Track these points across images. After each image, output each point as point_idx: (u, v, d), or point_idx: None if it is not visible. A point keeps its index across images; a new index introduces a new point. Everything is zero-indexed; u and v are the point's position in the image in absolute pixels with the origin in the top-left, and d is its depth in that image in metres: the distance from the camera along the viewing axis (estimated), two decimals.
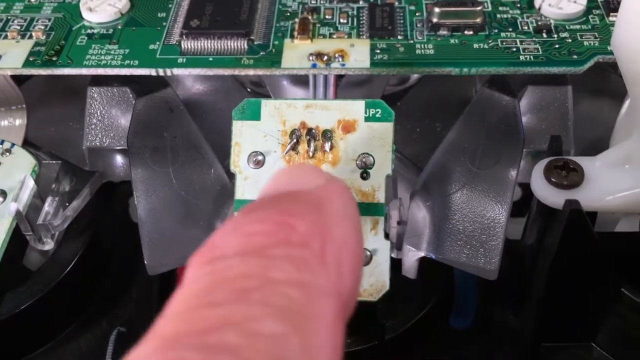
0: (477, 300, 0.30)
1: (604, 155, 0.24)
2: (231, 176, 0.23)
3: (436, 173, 0.27)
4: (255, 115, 0.22)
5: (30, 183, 0.28)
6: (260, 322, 0.13)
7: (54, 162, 0.30)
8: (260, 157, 0.22)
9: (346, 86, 0.32)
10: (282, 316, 0.13)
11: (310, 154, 0.22)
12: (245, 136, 0.22)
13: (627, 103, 0.26)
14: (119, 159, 0.31)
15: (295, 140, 0.22)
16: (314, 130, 0.22)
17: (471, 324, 0.30)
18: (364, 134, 0.22)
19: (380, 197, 0.22)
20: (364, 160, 0.22)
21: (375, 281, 0.22)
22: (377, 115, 0.22)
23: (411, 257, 0.27)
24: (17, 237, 0.27)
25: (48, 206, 0.29)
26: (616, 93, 0.30)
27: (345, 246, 0.16)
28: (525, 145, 0.28)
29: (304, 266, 0.15)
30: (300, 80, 0.32)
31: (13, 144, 0.30)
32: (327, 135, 0.22)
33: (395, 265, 0.25)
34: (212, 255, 0.15)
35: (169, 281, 0.31)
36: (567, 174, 0.23)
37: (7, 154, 0.30)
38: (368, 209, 0.22)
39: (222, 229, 0.16)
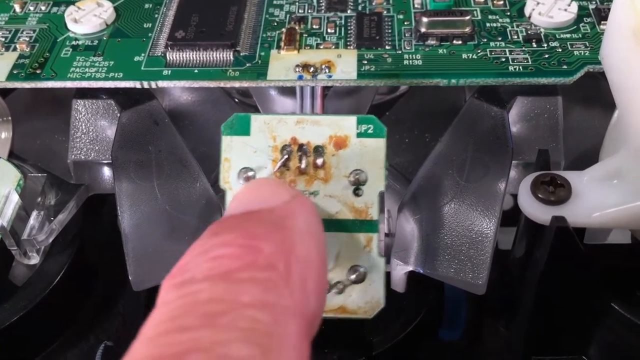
0: (467, 312, 0.30)
1: (591, 169, 0.24)
2: (217, 190, 0.22)
3: (424, 186, 0.27)
4: (245, 131, 0.22)
5: (15, 197, 0.28)
6: (229, 346, 0.14)
7: (40, 175, 0.30)
8: (250, 173, 0.22)
9: (334, 96, 0.31)
10: (250, 339, 0.14)
11: (302, 170, 0.22)
12: (234, 152, 0.22)
13: (616, 114, 0.26)
14: (105, 172, 0.31)
15: (286, 157, 0.22)
16: (305, 146, 0.22)
17: (461, 336, 0.30)
18: (356, 150, 0.22)
19: (374, 213, 0.22)
20: (356, 176, 0.21)
21: (370, 299, 0.21)
22: (369, 132, 0.22)
23: (399, 271, 0.26)
24: (2, 252, 0.27)
25: (33, 220, 0.28)
26: (607, 102, 0.29)
27: (309, 265, 0.17)
28: (514, 156, 0.28)
29: (270, 288, 0.15)
30: (288, 91, 0.32)
31: None
32: (318, 151, 0.22)
33: None
34: (183, 279, 0.16)
35: (157, 294, 0.31)
36: (554, 190, 0.23)
37: None
38: (361, 226, 0.22)
39: (190, 251, 0.17)
